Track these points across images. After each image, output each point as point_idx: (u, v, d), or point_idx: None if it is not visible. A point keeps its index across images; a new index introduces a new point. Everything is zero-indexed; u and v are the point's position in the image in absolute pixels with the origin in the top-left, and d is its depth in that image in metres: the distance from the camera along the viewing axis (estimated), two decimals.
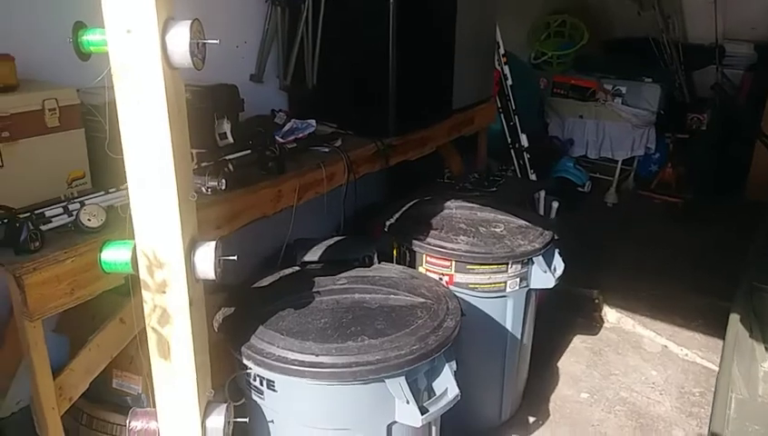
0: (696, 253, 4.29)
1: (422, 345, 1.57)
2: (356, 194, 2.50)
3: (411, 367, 1.54)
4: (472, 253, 2.20)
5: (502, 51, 3.86)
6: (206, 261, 1.36)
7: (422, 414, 1.54)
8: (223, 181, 1.87)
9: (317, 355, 1.50)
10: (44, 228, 1.54)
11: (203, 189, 1.86)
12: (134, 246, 1.35)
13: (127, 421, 1.50)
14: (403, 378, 1.53)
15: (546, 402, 2.80)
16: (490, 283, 2.26)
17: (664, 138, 5.47)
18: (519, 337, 2.45)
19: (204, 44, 1.30)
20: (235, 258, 1.42)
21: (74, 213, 1.61)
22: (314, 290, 1.76)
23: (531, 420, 2.69)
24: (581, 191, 5.23)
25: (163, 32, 1.21)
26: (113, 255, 1.38)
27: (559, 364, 3.10)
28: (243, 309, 1.71)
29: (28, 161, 1.66)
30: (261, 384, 1.58)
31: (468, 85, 3.24)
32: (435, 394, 1.66)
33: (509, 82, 3.90)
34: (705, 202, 5.03)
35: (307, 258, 2.03)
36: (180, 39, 1.22)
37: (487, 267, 2.22)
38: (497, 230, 2.35)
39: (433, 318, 1.68)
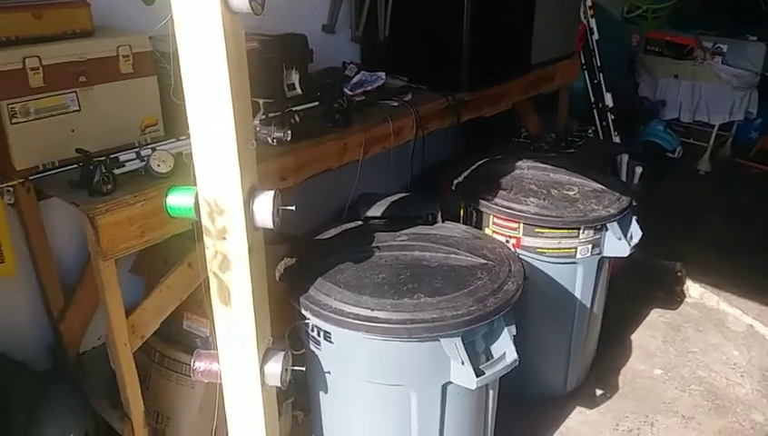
0: None
1: (480, 306, 1.53)
2: (424, 150, 2.45)
3: (468, 328, 1.50)
4: (542, 216, 2.11)
5: (589, 2, 3.61)
6: (265, 209, 1.36)
7: (477, 376, 1.51)
8: (289, 132, 1.87)
9: (372, 309, 1.49)
10: (117, 172, 1.59)
11: (269, 139, 1.87)
12: (196, 192, 1.37)
13: (192, 361, 1.56)
14: (459, 338, 1.50)
15: (616, 375, 2.70)
16: (559, 248, 2.16)
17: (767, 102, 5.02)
18: (589, 306, 2.35)
19: None
20: (293, 208, 1.42)
21: (146, 158, 1.65)
22: (374, 245, 1.74)
23: (598, 392, 2.60)
24: (671, 157, 4.90)
25: None
26: (178, 200, 1.41)
27: (633, 337, 2.96)
28: (304, 260, 1.73)
29: (103, 106, 1.71)
30: (319, 335, 1.60)
31: (550, 39, 3.07)
32: (492, 357, 1.62)
33: (595, 36, 3.65)
34: None
35: (370, 213, 2.01)
36: None
37: (556, 231, 2.13)
38: (570, 193, 2.23)
39: (494, 280, 1.63)
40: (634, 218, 2.31)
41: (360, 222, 1.98)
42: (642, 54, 5.11)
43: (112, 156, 1.67)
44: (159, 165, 1.60)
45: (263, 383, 1.50)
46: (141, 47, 1.75)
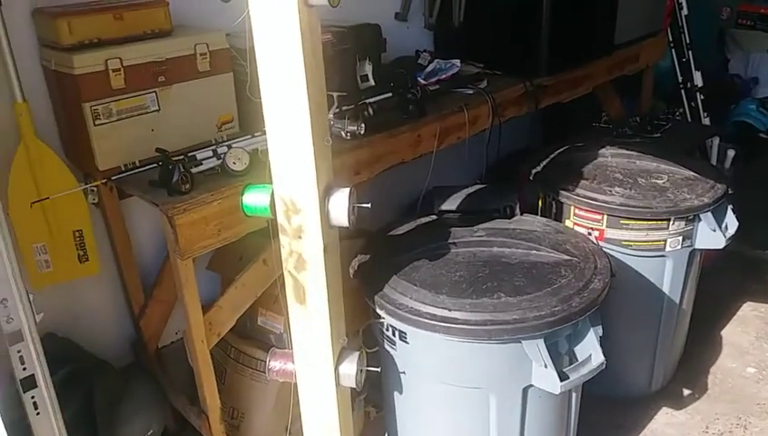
0: None
1: (565, 307, 1.45)
2: (500, 139, 2.35)
3: (551, 330, 1.43)
4: (627, 207, 1.99)
5: None
6: (340, 207, 1.33)
7: (561, 380, 1.43)
8: (362, 125, 1.84)
9: (450, 310, 1.44)
10: (194, 170, 1.61)
11: (343, 133, 1.84)
12: (272, 191, 1.36)
13: (267, 360, 1.57)
14: (542, 340, 1.43)
15: (705, 374, 2.53)
16: (647, 241, 2.04)
17: None
18: (678, 302, 2.20)
19: None
20: (369, 205, 1.38)
21: (222, 156, 1.66)
22: (450, 241, 1.69)
23: (686, 392, 2.45)
24: (764, 137, 4.54)
25: None
26: (254, 199, 1.41)
27: (723, 333, 2.77)
28: (378, 257, 1.70)
29: (182, 105, 1.74)
30: (394, 335, 1.57)
31: (635, 16, 2.89)
32: (577, 360, 1.54)
33: (684, 11, 3.40)
34: None
35: (445, 207, 1.95)
36: None
37: (644, 223, 2.00)
38: (659, 181, 2.09)
39: (578, 278, 1.54)
40: (729, 207, 2.14)
41: (435, 217, 1.92)
42: (732, 29, 4.75)
43: (190, 154, 1.69)
44: (234, 163, 1.61)
45: (338, 384, 1.49)
46: (217, 45, 1.76)
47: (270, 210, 1.38)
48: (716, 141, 3.32)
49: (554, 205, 2.17)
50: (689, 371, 2.53)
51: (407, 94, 2.10)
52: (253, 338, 2.02)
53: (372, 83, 2.11)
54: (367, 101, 2.00)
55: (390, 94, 2.11)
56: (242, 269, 1.78)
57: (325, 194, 1.34)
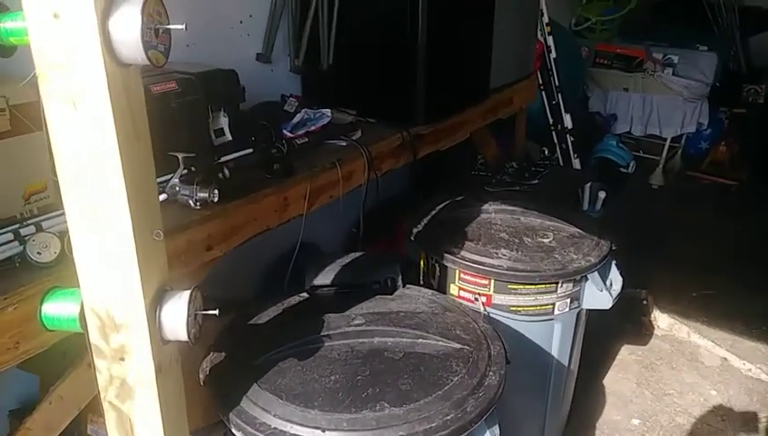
0: (755, 244, 3.85)
1: (459, 413, 1.23)
2: (377, 192, 2.15)
3: None
4: (515, 271, 1.85)
5: (546, 19, 3.41)
6: (176, 319, 1.03)
7: None
8: (215, 191, 1.54)
9: (323, 430, 1.17)
10: None
11: (191, 202, 1.53)
12: (82, 300, 1.02)
13: None
14: None
15: (593, 430, 2.47)
16: (536, 305, 1.91)
17: (717, 113, 4.97)
18: (566, 364, 2.10)
19: (167, 30, 0.95)
20: (216, 313, 1.09)
21: (26, 240, 1.29)
22: (323, 332, 1.42)
23: None
24: (624, 172, 4.78)
25: (104, 16, 0.86)
26: (57, 309, 1.07)
27: (606, 381, 2.75)
28: (236, 356, 1.39)
29: None
30: None
31: (508, 60, 2.84)
32: None
33: (553, 54, 3.46)
34: (763, 184, 4.57)
35: (318, 281, 1.69)
36: (128, 25, 0.87)
37: (532, 287, 1.87)
38: (545, 240, 1.98)
39: (472, 373, 1.33)
40: (613, 263, 2.08)
41: (306, 295, 1.65)
42: (591, 68, 4.98)
43: None
44: (40, 252, 1.24)
45: None
46: (21, 98, 1.38)
47: (81, 324, 1.05)
48: (588, 184, 3.36)
49: (437, 268, 1.99)
50: (577, 428, 2.46)
51: (271, 149, 1.83)
52: None
53: (229, 137, 1.82)
54: (222, 160, 1.70)
55: (251, 151, 1.83)
56: (68, 366, 1.40)
57: (156, 303, 1.03)
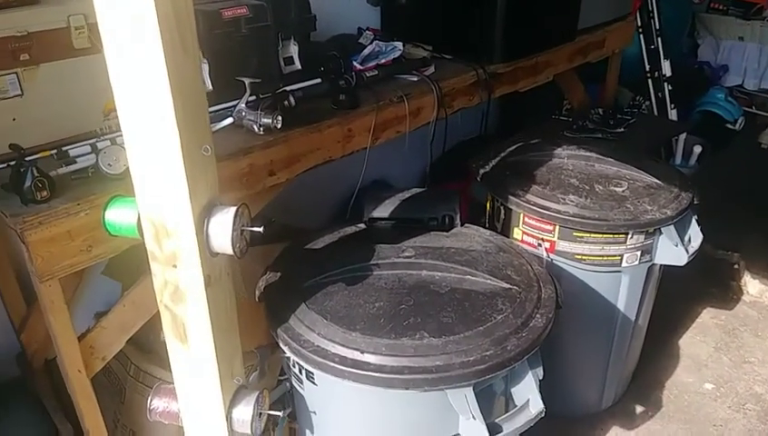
0: None
1: (498, 350, 1.22)
2: (446, 132, 2.11)
3: (480, 379, 1.20)
4: (582, 218, 1.77)
5: None
6: (222, 233, 1.07)
7: (492, 434, 1.22)
8: (279, 118, 1.57)
9: (362, 352, 1.20)
10: (62, 171, 1.33)
11: (255, 127, 1.57)
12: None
13: (149, 399, 1.32)
14: (470, 389, 1.21)
15: (660, 389, 2.37)
16: (602, 256, 1.83)
17: None
18: (633, 319, 2.02)
19: None
20: (261, 230, 1.13)
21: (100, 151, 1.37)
22: (374, 261, 1.44)
23: (638, 409, 2.28)
24: (731, 128, 4.39)
25: None
26: (119, 216, 1.14)
27: (681, 343, 2.62)
28: (289, 278, 1.44)
29: (53, 89, 1.44)
30: (301, 373, 1.33)
31: None
32: (514, 404, 1.33)
33: None
34: None
35: (376, 214, 1.70)
36: None
37: (600, 236, 1.79)
38: (618, 189, 1.88)
39: (517, 313, 1.31)
40: (694, 218, 1.94)
41: (363, 226, 1.67)
42: (704, 13, 4.55)
43: (63, 150, 1.40)
44: (110, 164, 1.33)
45: (231, 431, 1.25)
46: None
47: (138, 231, 1.11)
48: (683, 135, 3.13)
49: (502, 211, 1.94)
50: (642, 385, 2.37)
51: (339, 80, 1.82)
52: (156, 353, 1.76)
53: (298, 66, 1.83)
54: (288, 88, 1.72)
55: (320, 81, 1.84)
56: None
57: (204, 216, 1.07)
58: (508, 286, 1.38)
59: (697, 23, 4.56)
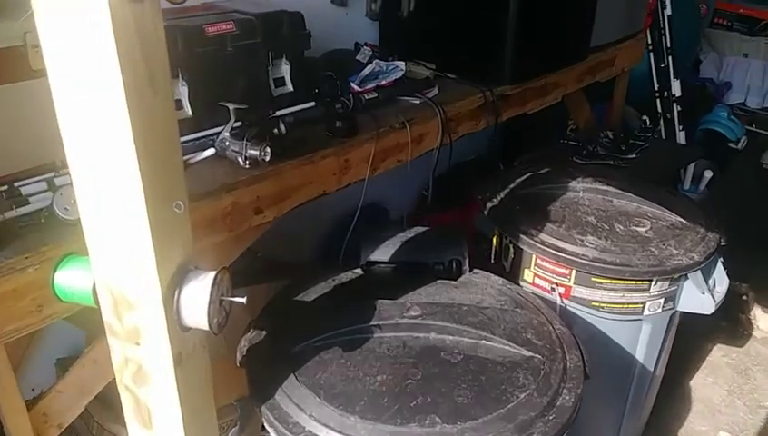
0: None
1: None
2: (450, 159, 1.93)
3: None
4: (603, 263, 1.60)
5: None
6: (197, 305, 0.88)
7: None
8: (267, 149, 1.38)
9: None
10: (9, 215, 1.13)
11: (240, 160, 1.38)
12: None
13: None
14: None
15: None
16: (622, 303, 1.66)
17: None
18: (652, 369, 1.85)
19: None
20: (243, 300, 0.94)
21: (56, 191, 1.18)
22: (373, 321, 1.25)
23: None
24: (733, 147, 4.26)
25: None
26: (71, 279, 0.94)
27: (693, 385, 2.46)
28: (275, 338, 1.24)
29: (6, 114, 1.23)
30: None
31: (614, 15, 2.49)
32: None
33: (668, 11, 3.02)
34: None
35: (375, 256, 1.51)
36: None
37: (621, 282, 1.62)
38: (641, 229, 1.71)
39: (542, 389, 1.13)
40: (720, 261, 1.78)
41: (360, 272, 1.48)
42: (708, 28, 4.42)
43: (15, 186, 1.20)
44: (67, 208, 1.13)
45: None
46: None
47: (94, 299, 0.92)
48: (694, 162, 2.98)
49: (511, 250, 1.77)
50: (657, 434, 2.21)
51: (334, 104, 1.64)
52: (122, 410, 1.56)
53: (290, 88, 1.64)
54: (278, 113, 1.53)
55: (314, 104, 1.65)
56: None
57: (174, 285, 0.88)
58: (530, 354, 1.20)
59: (701, 38, 4.43)
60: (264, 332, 1.28)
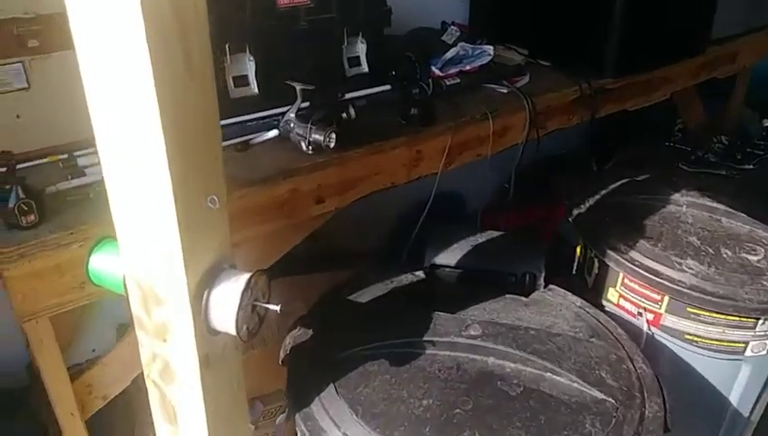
0: None
1: None
2: (537, 155, 1.76)
3: None
4: (703, 293, 1.39)
5: None
6: (225, 309, 0.80)
7: None
8: (332, 134, 1.28)
9: None
10: (62, 187, 1.10)
11: (303, 144, 1.29)
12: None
13: None
14: None
15: None
16: (721, 340, 1.45)
17: None
18: (747, 415, 1.62)
19: None
20: (278, 308, 0.85)
21: None
22: (428, 336, 1.13)
23: None
24: None
25: None
26: (105, 264, 0.89)
27: None
28: (321, 340, 1.16)
29: (66, 82, 1.19)
30: None
31: (738, 3, 2.19)
32: None
33: None
34: None
35: (440, 260, 1.39)
36: None
37: (722, 317, 1.41)
38: (753, 258, 1.48)
39: None
40: None
41: (422, 275, 1.36)
42: None
43: (74, 154, 1.18)
44: None
45: None
46: None
47: (124, 287, 0.86)
48: None
49: (596, 264, 1.59)
50: None
51: (411, 88, 1.52)
52: None
53: (365, 69, 1.53)
54: (349, 96, 1.43)
55: (389, 87, 1.54)
56: None
57: (204, 285, 0.80)
58: (601, 396, 1.04)
59: None
60: (311, 332, 1.19)
